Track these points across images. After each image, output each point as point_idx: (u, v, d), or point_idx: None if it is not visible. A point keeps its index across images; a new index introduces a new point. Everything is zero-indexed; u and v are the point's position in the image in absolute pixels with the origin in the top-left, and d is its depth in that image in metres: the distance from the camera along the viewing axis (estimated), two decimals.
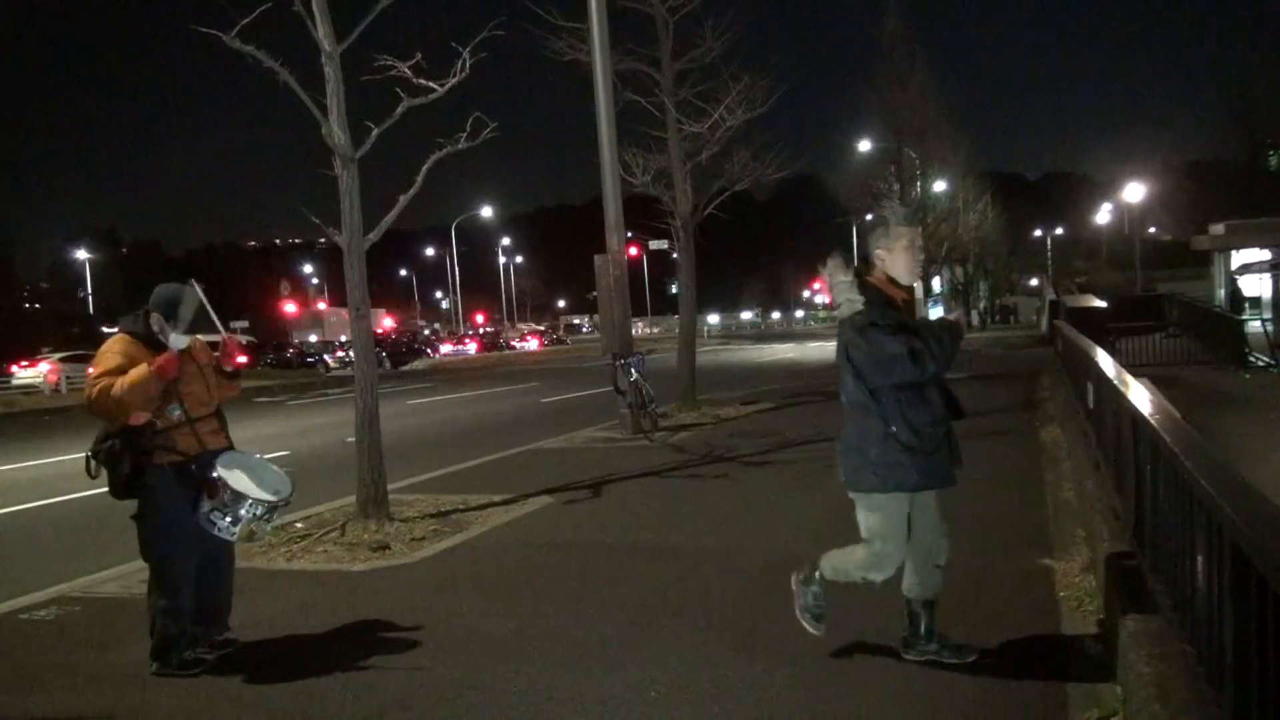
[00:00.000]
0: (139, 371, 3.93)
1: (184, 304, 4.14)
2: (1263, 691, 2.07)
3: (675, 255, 16.73)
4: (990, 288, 65.82)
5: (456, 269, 75.15)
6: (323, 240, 56.84)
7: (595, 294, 12.40)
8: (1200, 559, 2.60)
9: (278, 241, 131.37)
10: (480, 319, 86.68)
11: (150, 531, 4.09)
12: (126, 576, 5.76)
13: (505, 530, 6.70)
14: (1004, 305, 66.02)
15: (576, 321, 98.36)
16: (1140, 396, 3.90)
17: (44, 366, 31.78)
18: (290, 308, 61.74)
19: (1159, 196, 49.17)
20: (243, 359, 4.47)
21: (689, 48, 13.59)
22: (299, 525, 6.82)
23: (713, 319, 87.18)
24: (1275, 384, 14.82)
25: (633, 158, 13.59)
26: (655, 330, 75.61)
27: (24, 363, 32.78)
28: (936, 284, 43.11)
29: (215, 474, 4.08)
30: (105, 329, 46.23)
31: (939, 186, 39.13)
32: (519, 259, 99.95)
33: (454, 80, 7.05)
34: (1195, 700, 2.56)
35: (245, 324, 52.90)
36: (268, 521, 4.24)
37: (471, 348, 57.26)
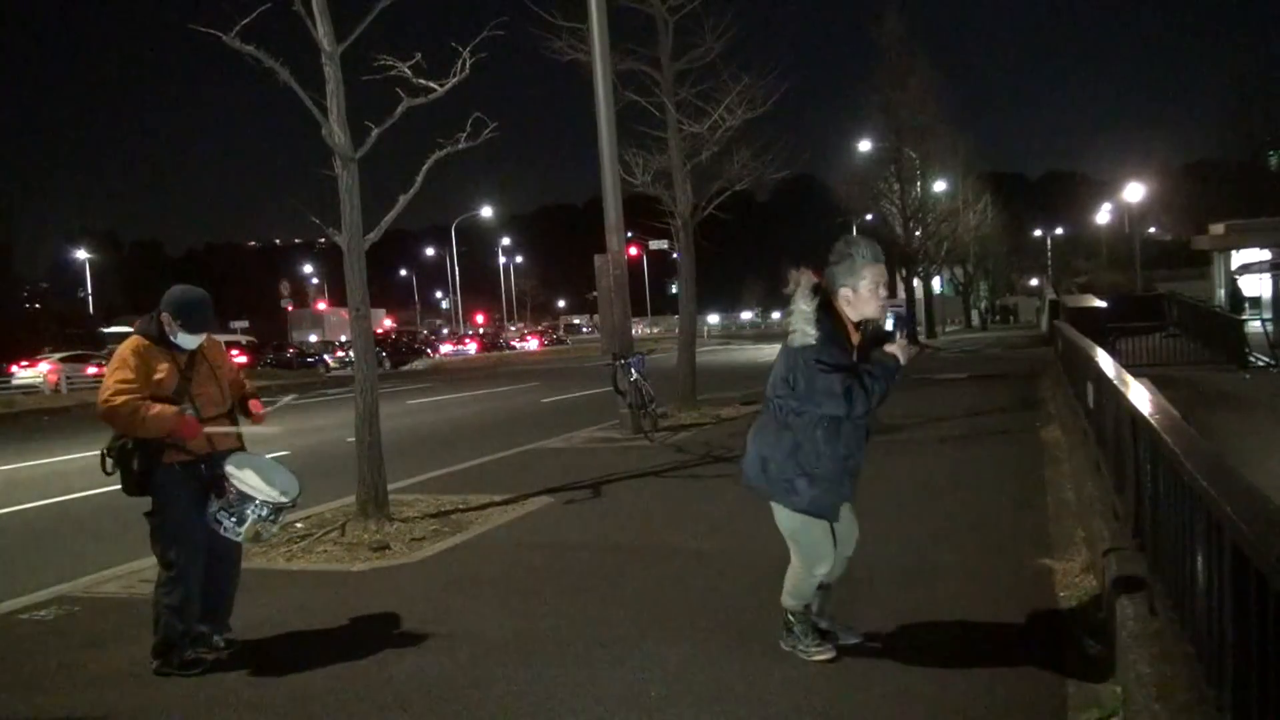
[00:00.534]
0: (166, 412, 4.00)
1: (194, 304, 4.17)
2: (1263, 691, 2.07)
3: (675, 255, 16.76)
4: (990, 288, 65.87)
5: (456, 269, 75.15)
6: (323, 240, 56.86)
7: (595, 294, 12.40)
8: (1200, 559, 2.60)
9: (278, 241, 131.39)
10: (480, 319, 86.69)
11: (161, 529, 4.12)
12: (127, 576, 5.77)
13: (505, 530, 6.70)
14: (1004, 305, 66.08)
15: (576, 321, 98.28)
16: (1140, 396, 3.90)
17: (44, 366, 31.72)
18: (290, 307, 61.72)
19: (1159, 196, 49.18)
20: (259, 411, 4.56)
21: (689, 48, 13.60)
22: (299, 525, 6.81)
23: (713, 319, 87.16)
24: (1275, 384, 14.83)
25: (633, 158, 13.59)
26: (655, 330, 75.51)
27: (24, 363, 32.71)
28: (937, 284, 43.05)
29: (224, 474, 4.10)
30: (105, 329, 46.31)
31: (939, 186, 39.07)
32: (519, 259, 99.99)
33: (454, 80, 7.04)
34: (1195, 700, 2.56)
35: (245, 324, 52.92)
36: (274, 523, 4.25)
37: (471, 348, 57.28)
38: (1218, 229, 27.37)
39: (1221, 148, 49.64)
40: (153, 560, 4.29)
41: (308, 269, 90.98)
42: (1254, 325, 18.45)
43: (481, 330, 74.39)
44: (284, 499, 4.23)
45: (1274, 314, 20.98)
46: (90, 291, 67.86)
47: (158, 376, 4.07)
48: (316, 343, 49.41)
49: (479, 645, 4.27)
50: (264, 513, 4.15)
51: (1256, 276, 23.84)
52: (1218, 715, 2.39)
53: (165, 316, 4.15)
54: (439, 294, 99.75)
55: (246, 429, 4.45)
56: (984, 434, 10.12)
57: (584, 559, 5.79)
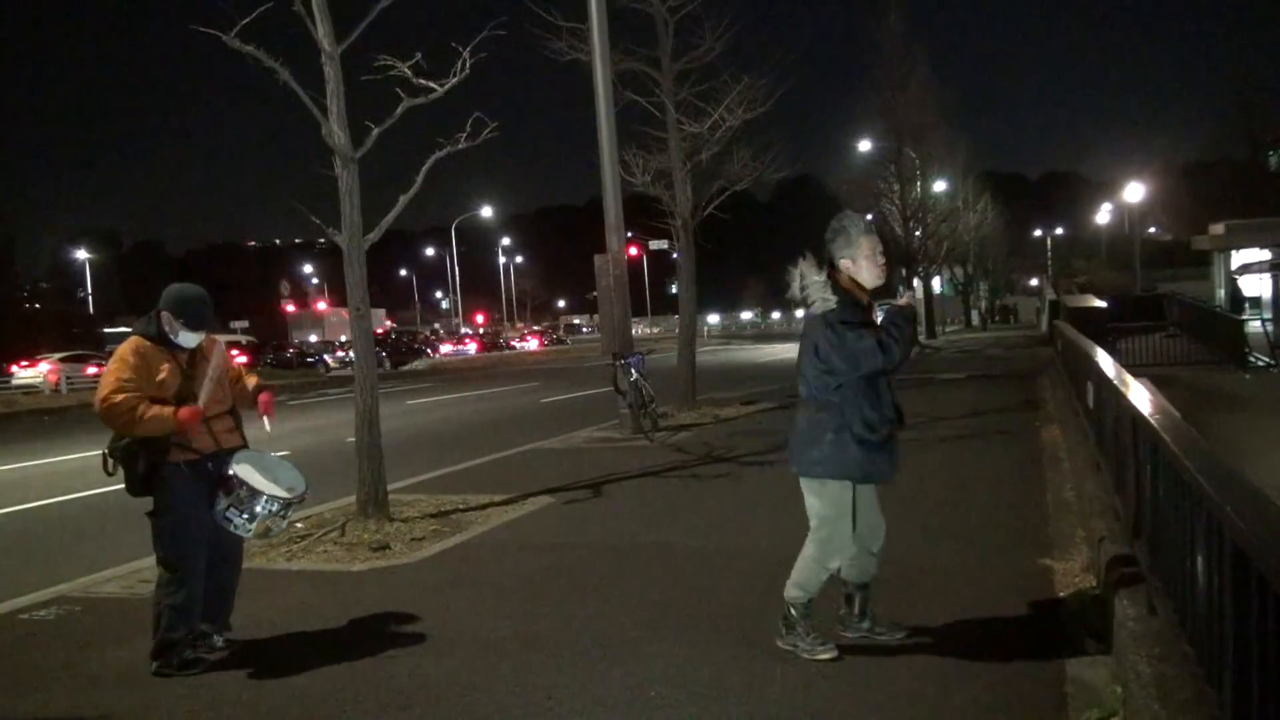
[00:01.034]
0: (164, 412, 3.99)
1: (194, 301, 4.17)
2: (1262, 691, 2.07)
3: (675, 255, 16.74)
4: (990, 288, 65.86)
5: (456, 269, 75.15)
6: (323, 240, 56.76)
7: (595, 294, 12.40)
8: (1200, 559, 2.61)
9: (278, 241, 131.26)
10: (480, 319, 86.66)
11: (164, 528, 4.11)
12: (127, 576, 5.77)
13: (505, 530, 6.70)
14: (1004, 305, 66.08)
15: (576, 321, 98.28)
16: (1140, 396, 3.91)
17: (44, 366, 31.72)
18: (290, 308, 61.73)
19: (1159, 196, 49.15)
20: (268, 407, 4.60)
21: (689, 48, 13.59)
22: (299, 525, 6.81)
23: (713, 319, 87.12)
24: (1275, 384, 14.84)
25: (633, 158, 13.59)
26: (655, 330, 75.51)
27: (24, 363, 32.70)
28: (937, 284, 43.05)
29: (231, 471, 4.11)
30: (105, 329, 46.30)
31: (939, 186, 39.08)
32: (519, 259, 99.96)
33: (454, 80, 7.05)
34: (1195, 700, 2.56)
35: (245, 324, 52.91)
36: (283, 518, 4.29)
37: (471, 348, 57.28)
38: (1218, 229, 27.35)
39: (1221, 148, 49.73)
40: (152, 560, 4.28)
41: (308, 269, 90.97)
42: (1254, 325, 18.47)
43: (481, 330, 74.39)
44: (292, 495, 4.25)
45: (1274, 314, 21.01)
46: (90, 291, 67.87)
47: (160, 377, 4.07)
48: (316, 343, 49.43)
49: (479, 645, 4.27)
50: (274, 508, 4.17)
51: (1256, 276, 23.86)
52: (1218, 715, 2.39)
53: (165, 314, 4.14)
54: (439, 294, 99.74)
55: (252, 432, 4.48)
56: (984, 434, 10.12)
57: (584, 559, 5.79)
